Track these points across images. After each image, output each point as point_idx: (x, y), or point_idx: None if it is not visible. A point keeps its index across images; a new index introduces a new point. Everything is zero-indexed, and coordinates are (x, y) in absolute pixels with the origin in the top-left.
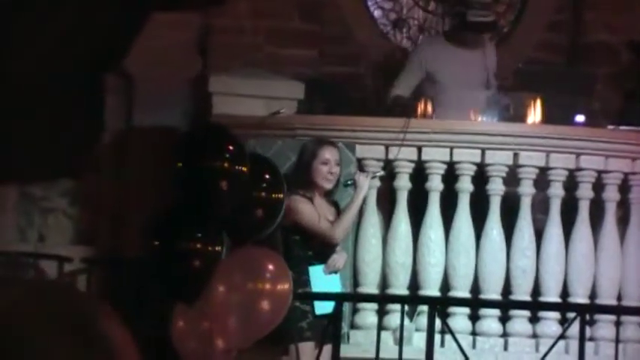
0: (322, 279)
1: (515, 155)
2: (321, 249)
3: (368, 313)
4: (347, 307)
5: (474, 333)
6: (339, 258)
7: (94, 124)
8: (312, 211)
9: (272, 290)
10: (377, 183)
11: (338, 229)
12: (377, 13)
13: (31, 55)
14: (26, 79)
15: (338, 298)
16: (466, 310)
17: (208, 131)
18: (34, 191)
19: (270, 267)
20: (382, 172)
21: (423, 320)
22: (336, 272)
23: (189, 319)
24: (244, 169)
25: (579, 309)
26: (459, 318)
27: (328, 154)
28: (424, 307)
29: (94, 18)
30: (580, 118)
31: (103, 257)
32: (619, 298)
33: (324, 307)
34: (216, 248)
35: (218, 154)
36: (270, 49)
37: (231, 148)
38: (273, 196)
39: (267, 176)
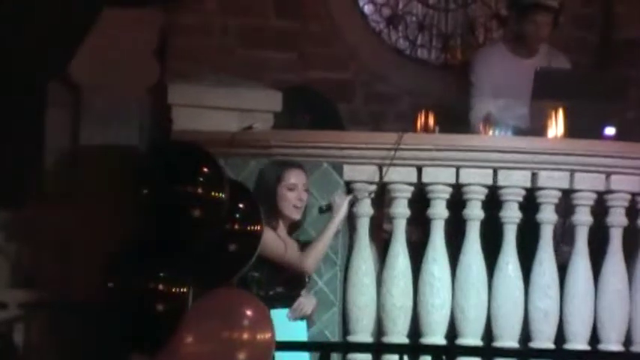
0: (285, 325)
1: (534, 175)
2: (284, 289)
3: None
4: (335, 358)
5: None
6: (307, 302)
7: (35, 142)
8: (276, 239)
9: (251, 340)
10: (369, 210)
11: (309, 258)
12: (368, 8)
13: None
14: None
15: (325, 348)
16: None
17: (179, 151)
18: None
19: (249, 312)
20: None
21: None
22: (302, 319)
23: None
24: (222, 195)
25: (611, 358)
26: None
27: (294, 177)
28: (427, 358)
29: (34, 15)
30: (610, 130)
31: (47, 302)
32: None
33: (284, 358)
34: (182, 290)
35: (191, 178)
36: (242, 51)
37: (206, 170)
38: (249, 228)
39: (241, 205)
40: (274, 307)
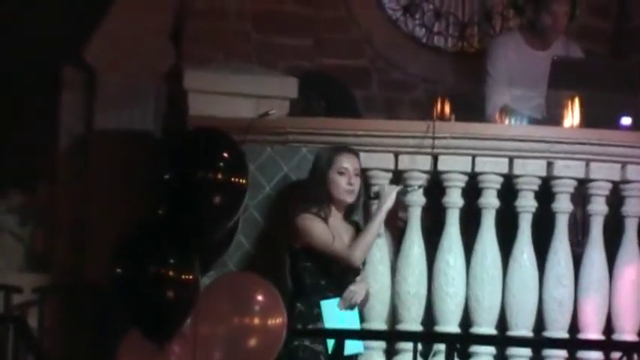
0: (337, 315)
1: (550, 165)
2: (337, 278)
3: (374, 354)
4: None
5: None
6: (359, 290)
7: (49, 125)
8: (325, 230)
9: (262, 325)
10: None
11: (356, 249)
12: None
13: None
14: None
15: (338, 335)
16: (491, 350)
17: (201, 136)
18: None
19: (260, 297)
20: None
21: None
22: (352, 308)
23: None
24: (243, 181)
25: (626, 348)
26: (483, 359)
27: (346, 162)
28: (441, 346)
29: None
30: (627, 120)
31: (60, 286)
32: None
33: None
34: (192, 276)
35: (212, 164)
36: (257, 37)
37: (226, 155)
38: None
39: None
40: (327, 297)
